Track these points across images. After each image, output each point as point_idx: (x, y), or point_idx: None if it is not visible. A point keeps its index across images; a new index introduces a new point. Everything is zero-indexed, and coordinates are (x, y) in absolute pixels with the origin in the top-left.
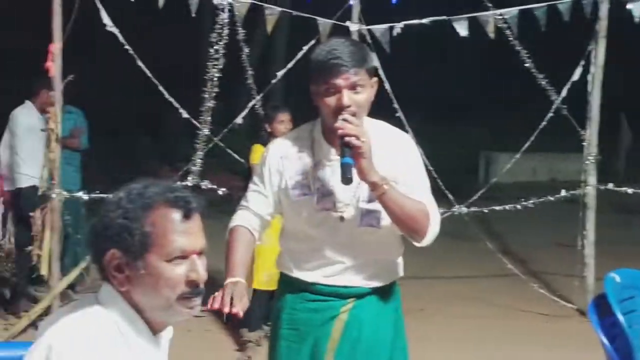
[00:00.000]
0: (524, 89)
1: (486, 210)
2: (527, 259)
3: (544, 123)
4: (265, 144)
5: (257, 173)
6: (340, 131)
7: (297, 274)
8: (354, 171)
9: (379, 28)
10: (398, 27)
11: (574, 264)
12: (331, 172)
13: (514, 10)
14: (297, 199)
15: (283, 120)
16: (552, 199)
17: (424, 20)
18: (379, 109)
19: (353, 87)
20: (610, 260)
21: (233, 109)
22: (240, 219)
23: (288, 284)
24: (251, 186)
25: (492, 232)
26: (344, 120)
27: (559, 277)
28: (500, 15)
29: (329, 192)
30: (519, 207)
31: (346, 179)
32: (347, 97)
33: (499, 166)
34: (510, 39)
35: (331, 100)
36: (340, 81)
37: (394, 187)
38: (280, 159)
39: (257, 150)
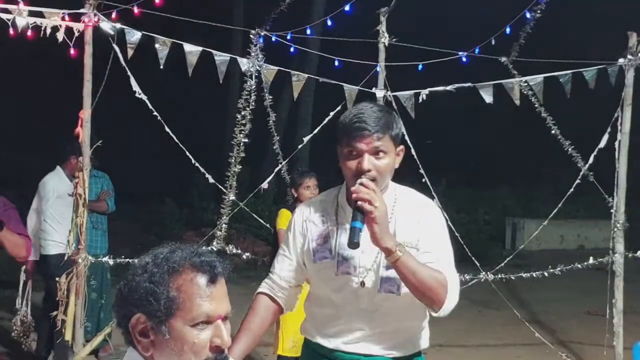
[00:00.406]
0: (551, 155)
1: (513, 278)
2: (555, 327)
3: (571, 190)
4: (291, 209)
5: (284, 238)
6: (354, 195)
7: (318, 339)
8: (367, 236)
9: (404, 94)
10: (424, 93)
11: (602, 333)
12: None
13: (539, 78)
14: (319, 262)
15: (309, 185)
16: (580, 266)
17: (450, 87)
18: (405, 175)
19: (375, 152)
20: (639, 330)
21: (259, 174)
22: (265, 285)
23: (310, 349)
24: (279, 251)
25: (520, 300)
26: (360, 184)
27: (587, 346)
28: (526, 82)
29: (349, 257)
30: (546, 274)
31: (352, 244)
32: (367, 161)
33: (525, 233)
34: (536, 105)
35: (352, 164)
36: (362, 145)
37: (410, 254)
38: (305, 222)
39: (283, 215)
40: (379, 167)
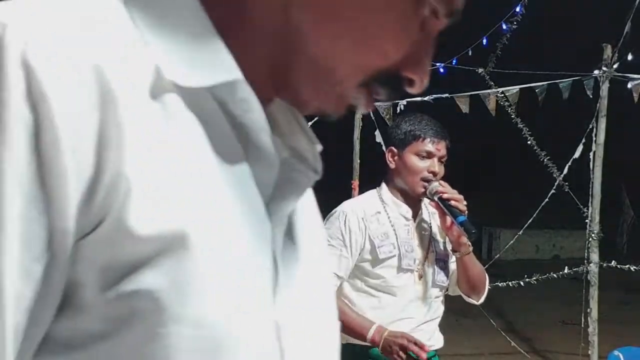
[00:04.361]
0: (527, 165)
1: (490, 287)
2: (531, 336)
3: (546, 200)
4: None
5: (332, 237)
6: (446, 195)
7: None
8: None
9: (382, 104)
10: (402, 103)
11: (577, 342)
12: (407, 231)
13: (515, 88)
14: (384, 257)
15: None
16: (555, 276)
17: (427, 98)
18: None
19: (440, 158)
20: (614, 339)
21: None
22: None
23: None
24: (332, 252)
25: (496, 309)
26: (440, 184)
27: (562, 355)
28: (502, 92)
29: (410, 250)
30: (522, 284)
31: (474, 233)
32: (438, 165)
33: (502, 242)
34: (512, 116)
35: (421, 165)
36: (435, 149)
37: None
38: (362, 220)
39: None
40: (441, 174)
